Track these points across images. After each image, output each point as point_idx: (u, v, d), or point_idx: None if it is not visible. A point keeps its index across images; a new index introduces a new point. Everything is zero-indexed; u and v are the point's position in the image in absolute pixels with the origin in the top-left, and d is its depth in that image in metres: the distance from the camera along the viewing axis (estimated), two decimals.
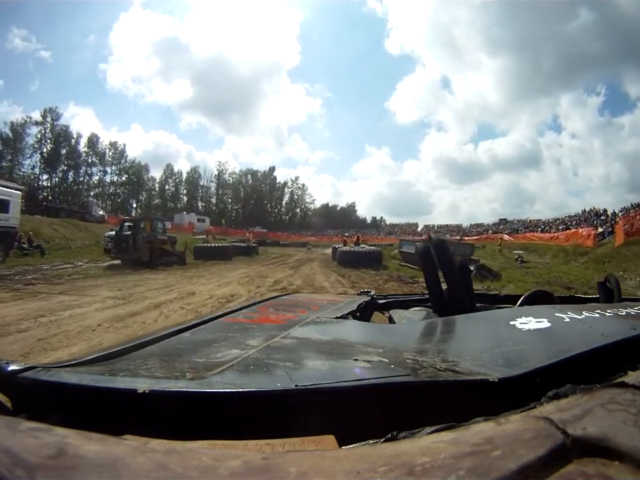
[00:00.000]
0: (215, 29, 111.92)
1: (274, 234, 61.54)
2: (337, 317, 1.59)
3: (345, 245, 23.08)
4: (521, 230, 50.08)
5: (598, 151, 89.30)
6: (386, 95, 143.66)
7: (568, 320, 1.15)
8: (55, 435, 0.44)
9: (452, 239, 28.05)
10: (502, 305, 2.26)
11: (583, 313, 1.20)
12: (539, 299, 1.97)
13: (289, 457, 0.45)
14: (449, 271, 1.90)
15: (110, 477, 0.37)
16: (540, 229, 46.46)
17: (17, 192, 19.19)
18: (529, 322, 1.15)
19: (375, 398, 0.73)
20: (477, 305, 2.15)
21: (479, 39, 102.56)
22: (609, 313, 1.24)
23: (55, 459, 0.38)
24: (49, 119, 63.38)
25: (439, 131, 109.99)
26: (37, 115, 63.01)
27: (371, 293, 2.60)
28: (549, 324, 1.13)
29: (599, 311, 1.23)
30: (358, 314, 1.99)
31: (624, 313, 1.25)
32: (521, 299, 2.01)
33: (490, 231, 56.51)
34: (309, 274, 15.89)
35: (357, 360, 0.90)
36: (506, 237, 41.60)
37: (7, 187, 24.00)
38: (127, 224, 18.54)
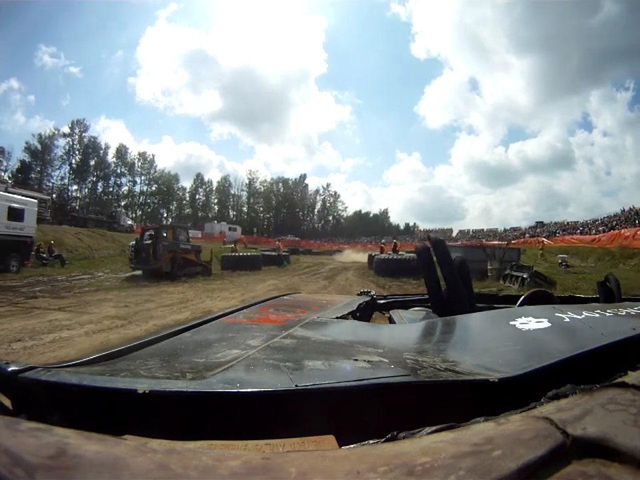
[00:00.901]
0: (240, 40, 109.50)
1: (306, 242, 60.44)
2: (337, 317, 1.59)
3: (382, 253, 21.73)
4: (558, 233, 48.41)
5: (630, 148, 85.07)
6: (415, 99, 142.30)
7: (568, 320, 1.15)
8: (55, 434, 0.44)
9: (500, 244, 25.54)
10: (502, 305, 2.24)
11: (583, 313, 1.20)
12: (538, 298, 1.96)
13: (289, 456, 0.45)
14: (448, 271, 1.90)
15: (110, 477, 0.37)
16: (579, 230, 44.90)
17: (33, 200, 18.75)
18: (529, 322, 1.15)
19: (375, 398, 0.73)
20: (477, 304, 2.14)
21: (505, 39, 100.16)
22: (609, 312, 1.24)
23: (54, 459, 0.39)
24: (76, 131, 63.99)
25: (469, 134, 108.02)
26: (66, 128, 63.78)
27: (371, 293, 2.61)
28: (549, 324, 1.13)
29: (598, 311, 1.23)
30: (358, 314, 1.99)
31: (624, 313, 1.25)
32: (521, 298, 2.01)
33: (527, 235, 54.24)
34: (345, 285, 15.02)
35: (357, 360, 0.90)
36: (544, 240, 39.32)
37: (32, 197, 23.78)
38: (147, 233, 17.59)
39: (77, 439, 0.44)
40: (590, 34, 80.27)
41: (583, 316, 1.17)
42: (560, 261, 23.95)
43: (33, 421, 0.55)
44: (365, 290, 2.86)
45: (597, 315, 1.19)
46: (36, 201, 19.38)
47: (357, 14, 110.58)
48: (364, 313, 2.18)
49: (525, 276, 13.30)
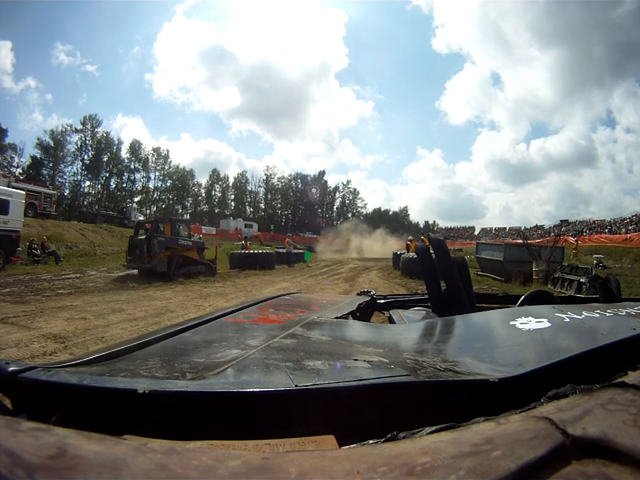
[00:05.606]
0: (259, 35, 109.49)
1: (324, 240, 60.37)
2: (336, 317, 1.60)
3: (408, 251, 19.56)
4: (585, 232, 46.39)
5: None
6: (436, 94, 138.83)
7: (568, 320, 1.16)
8: (55, 434, 0.44)
9: (544, 242, 23.33)
10: (502, 305, 2.25)
11: (583, 313, 1.21)
12: (538, 298, 1.97)
13: (289, 456, 0.45)
14: (448, 271, 1.91)
15: (110, 477, 0.37)
16: (607, 229, 43.79)
17: (19, 192, 17.34)
18: (529, 322, 1.16)
19: (375, 398, 0.73)
20: (477, 304, 2.15)
21: (528, 33, 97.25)
22: (609, 313, 1.25)
23: (54, 459, 0.39)
24: (89, 126, 62.91)
25: (490, 130, 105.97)
26: (78, 124, 62.90)
27: (371, 293, 2.62)
28: (549, 324, 1.14)
29: (598, 311, 1.24)
30: (358, 314, 2.01)
31: (624, 313, 1.26)
32: (521, 298, 2.01)
33: (552, 234, 53.34)
34: (369, 289, 12.82)
35: (357, 360, 0.90)
36: (571, 239, 36.46)
37: (35, 191, 23.16)
38: (143, 227, 15.91)
39: (76, 438, 0.44)
40: (612, 27, 78.63)
41: (583, 316, 1.18)
42: (596, 261, 21.30)
43: (33, 421, 0.55)
44: (365, 290, 2.87)
45: (597, 315, 1.20)
46: (23, 192, 17.87)
47: (378, 6, 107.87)
48: (364, 312, 2.19)
49: (582, 280, 10.97)
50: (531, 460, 0.39)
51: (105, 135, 65.02)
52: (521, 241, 19.46)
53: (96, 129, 63.82)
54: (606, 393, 0.54)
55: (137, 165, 68.75)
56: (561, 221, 62.27)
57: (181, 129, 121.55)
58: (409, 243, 22.80)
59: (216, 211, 73.68)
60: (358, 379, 0.76)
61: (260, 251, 21.09)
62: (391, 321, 2.00)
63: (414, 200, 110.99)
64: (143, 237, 15.02)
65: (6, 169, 47.47)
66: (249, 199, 79.38)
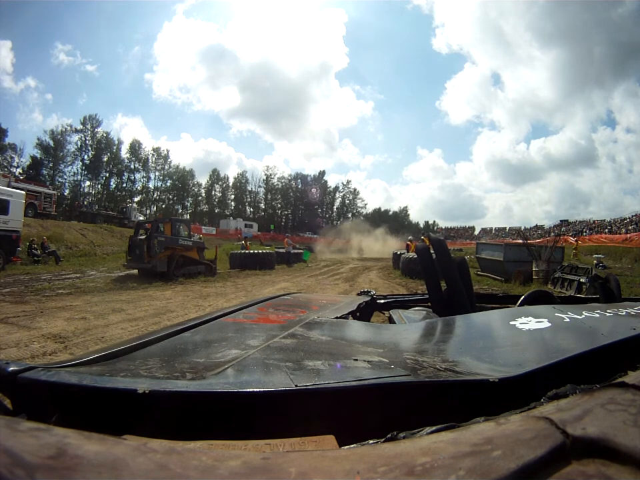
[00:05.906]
0: (259, 34, 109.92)
1: (324, 239, 60.02)
2: (336, 317, 1.59)
3: (408, 251, 19.57)
4: (585, 232, 46.54)
5: None
6: (437, 94, 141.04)
7: (568, 320, 1.16)
8: (54, 434, 0.44)
9: (544, 242, 23.15)
10: (502, 305, 2.25)
11: (583, 313, 1.21)
12: (539, 298, 1.97)
13: (289, 456, 0.45)
14: (448, 270, 1.91)
15: (110, 477, 0.37)
16: (607, 229, 44.05)
17: (19, 192, 17.42)
18: (529, 322, 1.16)
19: (375, 398, 0.73)
20: (477, 304, 2.15)
21: (528, 32, 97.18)
22: (609, 313, 1.25)
23: (54, 459, 0.38)
24: (88, 126, 62.90)
25: (491, 130, 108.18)
26: (78, 124, 62.90)
27: (371, 293, 2.62)
28: (549, 324, 1.14)
29: (598, 311, 1.24)
30: (358, 314, 2.01)
31: (624, 313, 1.26)
32: (521, 298, 2.01)
33: (552, 234, 52.82)
34: (369, 289, 12.51)
35: (357, 360, 0.90)
36: (571, 239, 36.63)
37: (36, 191, 23.30)
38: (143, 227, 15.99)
39: (77, 438, 0.44)
40: (613, 27, 79.09)
41: (583, 316, 1.18)
42: (595, 261, 21.03)
43: (33, 421, 0.55)
44: (365, 290, 2.87)
45: (597, 315, 1.20)
46: (23, 192, 17.97)
47: (378, 6, 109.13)
48: (364, 312, 2.19)
49: (582, 280, 10.91)
50: (530, 460, 0.39)
51: (104, 135, 65.20)
52: (521, 241, 19.47)
53: (96, 129, 63.98)
54: (606, 393, 0.54)
55: (136, 165, 68.88)
56: (560, 221, 62.51)
57: (181, 128, 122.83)
58: (409, 243, 22.66)
59: (216, 211, 73.69)
60: (358, 379, 0.76)
61: (260, 251, 21.07)
62: (391, 321, 2.00)
63: (414, 200, 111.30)
64: (143, 237, 15.09)
65: (6, 169, 47.59)
66: (249, 199, 79.41)
